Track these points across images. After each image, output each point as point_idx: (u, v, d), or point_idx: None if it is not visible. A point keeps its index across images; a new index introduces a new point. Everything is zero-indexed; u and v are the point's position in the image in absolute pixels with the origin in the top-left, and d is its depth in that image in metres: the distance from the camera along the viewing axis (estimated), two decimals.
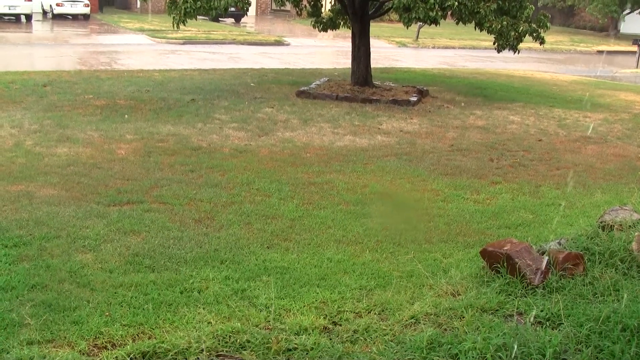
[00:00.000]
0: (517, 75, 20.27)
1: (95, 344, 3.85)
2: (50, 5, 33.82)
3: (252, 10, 28.12)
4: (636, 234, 4.87)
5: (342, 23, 15.90)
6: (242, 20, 37.93)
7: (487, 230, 6.35)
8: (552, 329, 3.87)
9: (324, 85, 14.54)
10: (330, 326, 4.11)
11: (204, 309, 4.30)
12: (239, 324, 4.01)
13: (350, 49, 14.76)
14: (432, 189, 7.75)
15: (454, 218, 6.69)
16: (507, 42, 12.93)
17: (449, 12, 12.42)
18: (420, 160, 9.05)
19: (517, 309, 4.18)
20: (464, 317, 4.06)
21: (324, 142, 9.88)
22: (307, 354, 3.71)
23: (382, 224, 6.34)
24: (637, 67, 24.93)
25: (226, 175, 7.82)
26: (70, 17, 33.81)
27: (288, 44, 27.72)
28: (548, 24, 13.57)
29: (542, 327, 3.92)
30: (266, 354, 3.71)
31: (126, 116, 10.82)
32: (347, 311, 4.32)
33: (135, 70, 16.64)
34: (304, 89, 13.88)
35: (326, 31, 16.32)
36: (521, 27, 12.70)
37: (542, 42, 13.59)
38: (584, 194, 7.79)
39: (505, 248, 4.63)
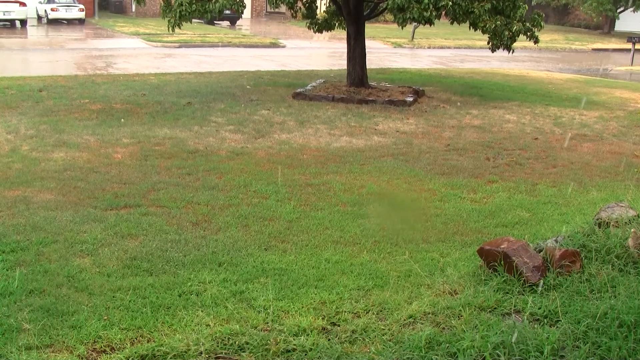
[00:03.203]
0: (513, 74, 20.31)
1: (94, 348, 3.86)
2: (45, 10, 33.80)
3: (247, 12, 28.16)
4: (632, 230, 4.89)
5: (337, 24, 15.94)
6: (238, 22, 37.95)
7: (484, 229, 6.36)
8: (550, 326, 3.88)
9: (320, 87, 14.55)
10: (329, 327, 4.12)
11: (202, 311, 4.31)
12: (237, 326, 4.02)
13: (346, 50, 14.78)
14: (429, 188, 7.76)
15: (450, 217, 6.71)
16: (501, 41, 12.97)
17: (443, 12, 12.45)
18: (417, 160, 9.06)
19: (514, 306, 4.19)
20: (462, 316, 4.07)
21: (321, 143, 9.88)
22: (305, 354, 3.72)
23: (379, 225, 6.35)
24: (631, 65, 25.00)
25: (223, 177, 7.83)
26: (65, 21, 33.79)
27: (284, 46, 27.74)
28: (542, 23, 13.62)
29: (539, 324, 3.93)
30: (265, 356, 3.72)
31: (122, 120, 10.82)
32: (345, 312, 4.33)
33: (131, 74, 16.63)
34: (300, 90, 13.89)
35: (321, 32, 16.36)
36: (515, 27, 12.74)
37: (536, 41, 13.63)
38: (580, 191, 7.81)
39: (502, 246, 4.65)
